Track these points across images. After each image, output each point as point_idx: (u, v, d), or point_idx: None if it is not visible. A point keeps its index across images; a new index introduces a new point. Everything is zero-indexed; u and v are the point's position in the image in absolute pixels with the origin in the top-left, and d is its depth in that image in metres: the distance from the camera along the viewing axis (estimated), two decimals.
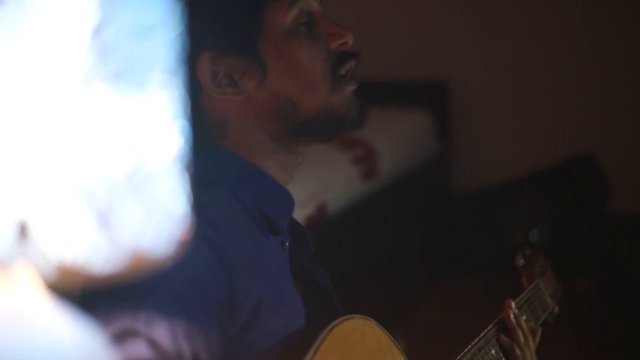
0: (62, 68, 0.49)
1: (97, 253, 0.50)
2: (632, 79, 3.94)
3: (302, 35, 1.06)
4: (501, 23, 4.13)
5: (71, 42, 0.49)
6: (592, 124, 4.03)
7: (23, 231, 0.49)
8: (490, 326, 1.29)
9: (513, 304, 1.33)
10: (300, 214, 2.74)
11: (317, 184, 3.01)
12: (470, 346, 1.23)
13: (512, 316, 1.31)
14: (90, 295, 0.81)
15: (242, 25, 1.05)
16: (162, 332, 0.87)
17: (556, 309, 1.51)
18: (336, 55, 1.08)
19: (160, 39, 0.50)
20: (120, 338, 0.85)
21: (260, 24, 1.05)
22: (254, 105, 1.06)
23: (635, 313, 3.25)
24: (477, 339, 1.25)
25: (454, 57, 4.22)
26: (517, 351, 1.29)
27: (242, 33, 1.05)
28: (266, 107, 1.06)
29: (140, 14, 0.49)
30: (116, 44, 0.49)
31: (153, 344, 0.86)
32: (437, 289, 3.61)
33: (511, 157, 4.15)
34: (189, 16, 0.63)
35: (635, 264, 3.60)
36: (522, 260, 1.51)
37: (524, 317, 1.36)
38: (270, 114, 1.06)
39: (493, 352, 1.28)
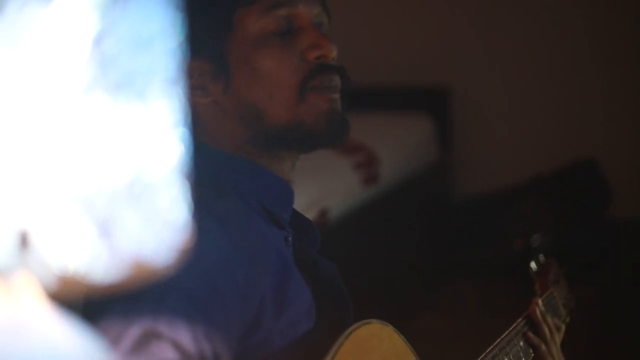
0: (62, 79, 0.49)
1: (98, 262, 0.50)
2: (635, 85, 3.94)
3: (272, 43, 1.05)
4: (502, 29, 4.13)
5: (71, 53, 0.49)
6: (594, 129, 4.03)
7: (24, 241, 0.49)
8: (520, 319, 1.33)
9: (540, 301, 1.36)
10: None
11: (318, 190, 3.01)
12: (499, 339, 1.26)
13: (538, 312, 1.34)
14: (108, 299, 0.81)
15: (211, 29, 1.05)
16: (184, 333, 0.87)
17: (568, 318, 1.51)
18: (312, 67, 1.06)
19: (160, 49, 0.50)
20: (143, 341, 0.85)
21: (228, 29, 1.05)
22: (221, 109, 1.06)
23: (637, 319, 3.24)
24: (507, 331, 1.29)
25: (455, 62, 4.23)
26: (543, 347, 1.32)
27: (210, 37, 1.05)
28: (233, 112, 1.06)
29: (140, 24, 0.50)
30: (116, 55, 0.49)
31: (177, 346, 0.86)
32: (439, 295, 3.61)
33: (512, 163, 4.15)
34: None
35: (637, 270, 3.60)
36: (536, 268, 1.51)
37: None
38: (238, 120, 1.06)
39: (521, 344, 1.31)
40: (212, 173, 1.04)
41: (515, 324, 1.32)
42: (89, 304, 0.84)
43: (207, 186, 1.00)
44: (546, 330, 1.34)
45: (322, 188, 3.05)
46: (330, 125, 1.07)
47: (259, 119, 1.05)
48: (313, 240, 1.16)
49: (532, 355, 1.33)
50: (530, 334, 1.32)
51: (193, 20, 1.02)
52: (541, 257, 1.53)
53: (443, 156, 4.16)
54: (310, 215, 2.89)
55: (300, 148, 1.09)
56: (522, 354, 1.30)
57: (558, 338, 1.37)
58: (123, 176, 0.50)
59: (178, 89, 0.52)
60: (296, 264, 1.08)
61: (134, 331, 0.85)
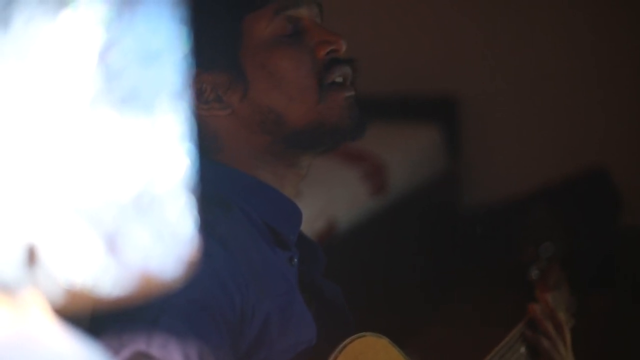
0: (69, 92, 0.49)
1: (106, 276, 0.50)
2: None
3: (286, 45, 1.05)
4: (510, 39, 4.13)
5: (77, 66, 0.49)
6: (606, 138, 4.02)
7: (31, 255, 0.49)
8: (520, 324, 1.28)
9: (549, 296, 1.32)
10: (309, 231, 2.74)
11: (325, 201, 3.01)
12: (499, 345, 1.23)
13: (537, 310, 1.29)
14: (101, 317, 0.81)
15: (221, 39, 1.04)
16: (176, 355, 0.87)
17: (571, 323, 1.49)
18: (324, 62, 1.06)
19: (166, 62, 0.50)
20: None
21: (239, 36, 1.04)
22: (240, 119, 1.05)
23: None
24: (508, 337, 1.25)
25: (463, 72, 4.22)
26: (545, 343, 1.27)
27: (221, 47, 1.04)
28: (252, 120, 1.05)
29: (146, 37, 0.50)
30: (122, 68, 0.49)
31: None
32: (449, 305, 3.60)
33: (521, 172, 4.14)
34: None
35: None
36: (537, 273, 1.50)
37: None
38: (258, 127, 1.05)
39: (522, 349, 1.26)
40: (219, 191, 1.04)
41: (515, 329, 1.28)
42: (93, 321, 0.84)
43: (212, 204, 1.00)
44: (549, 327, 1.28)
45: (329, 198, 3.05)
46: (352, 120, 1.07)
47: (279, 124, 1.05)
48: (318, 261, 1.16)
49: None
50: (528, 332, 1.27)
51: (201, 33, 1.02)
52: (544, 262, 1.52)
53: (451, 166, 4.16)
54: (318, 225, 2.89)
55: (323, 146, 1.08)
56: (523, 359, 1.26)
57: (568, 335, 1.31)
58: (130, 190, 0.50)
59: (184, 103, 0.52)
60: (300, 285, 1.08)
61: (125, 353, 0.85)
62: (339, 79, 1.07)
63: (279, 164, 1.07)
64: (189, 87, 1.04)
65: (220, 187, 1.04)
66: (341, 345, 0.99)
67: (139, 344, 0.86)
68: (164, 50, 0.50)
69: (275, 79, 1.04)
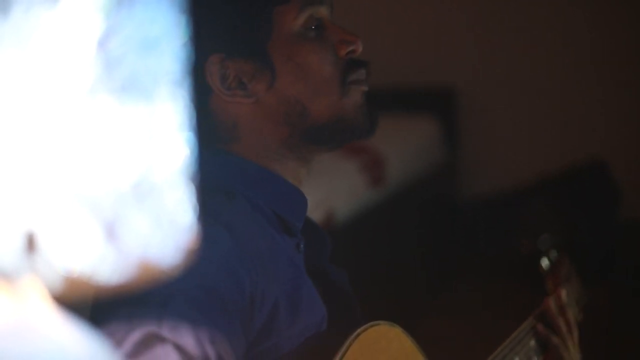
0: (68, 80, 0.49)
1: (105, 263, 0.50)
2: None
3: (312, 39, 1.06)
4: (508, 30, 4.13)
5: (77, 54, 0.49)
6: (604, 129, 4.02)
7: (30, 243, 0.49)
8: (530, 318, 1.28)
9: (564, 292, 1.32)
10: None
11: (324, 192, 3.01)
12: (509, 339, 1.23)
13: (553, 305, 1.29)
14: (110, 302, 0.81)
15: (250, 27, 1.05)
16: (187, 337, 0.87)
17: (580, 316, 1.49)
18: (345, 62, 1.08)
19: (166, 50, 0.50)
20: (146, 344, 0.86)
21: (269, 27, 1.05)
22: (264, 108, 1.06)
23: None
24: (518, 331, 1.25)
25: (460, 62, 4.22)
26: (555, 339, 1.27)
27: (250, 35, 1.05)
28: (276, 110, 1.06)
29: (146, 25, 0.50)
30: (122, 56, 0.49)
31: (179, 349, 0.86)
32: (448, 296, 3.60)
33: (520, 164, 4.14)
34: (197, 18, 0.64)
35: None
36: (548, 264, 1.49)
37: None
38: (281, 118, 1.06)
39: (532, 343, 1.26)
40: (226, 181, 1.04)
41: (525, 323, 1.28)
42: (95, 307, 0.85)
43: (218, 192, 1.01)
44: (561, 323, 1.28)
45: (328, 190, 3.05)
46: (367, 118, 1.10)
47: (303, 116, 1.06)
48: (324, 246, 1.17)
49: (542, 357, 1.28)
50: (541, 327, 1.28)
51: (230, 20, 1.03)
52: (553, 254, 1.51)
53: (450, 158, 4.16)
54: (316, 216, 2.89)
55: (338, 142, 1.10)
56: (532, 353, 1.26)
57: (577, 332, 1.31)
58: (129, 177, 0.50)
59: (183, 91, 0.52)
60: (307, 270, 1.09)
61: (136, 334, 0.86)
62: (355, 79, 1.09)
63: (292, 158, 1.09)
64: (214, 72, 1.04)
65: (228, 177, 1.05)
66: (355, 333, 0.99)
67: (151, 326, 0.87)
68: (163, 38, 0.50)
69: (302, 71, 1.05)
